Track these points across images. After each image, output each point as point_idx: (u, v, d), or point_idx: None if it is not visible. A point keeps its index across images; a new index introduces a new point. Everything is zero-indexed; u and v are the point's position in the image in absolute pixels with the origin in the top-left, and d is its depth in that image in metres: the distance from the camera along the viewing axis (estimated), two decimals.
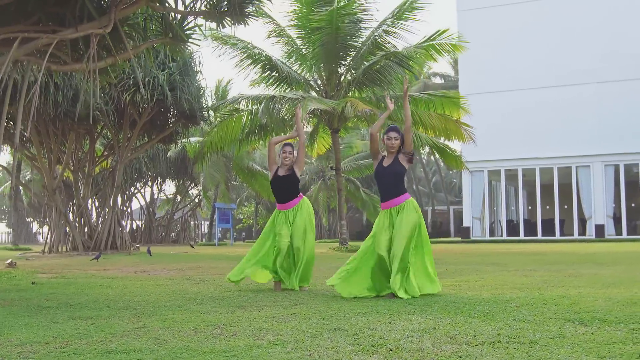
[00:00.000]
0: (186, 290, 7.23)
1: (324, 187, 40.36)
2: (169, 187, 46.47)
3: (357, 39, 18.98)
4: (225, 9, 10.90)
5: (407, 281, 6.19)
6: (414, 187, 63.34)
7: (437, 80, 53.22)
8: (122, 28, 11.32)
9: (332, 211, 45.15)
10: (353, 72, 19.27)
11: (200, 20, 12.54)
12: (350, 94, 19.57)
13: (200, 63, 20.90)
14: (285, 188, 7.37)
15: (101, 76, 11.56)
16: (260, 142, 20.65)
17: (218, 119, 20.29)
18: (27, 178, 34.91)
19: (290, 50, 19.70)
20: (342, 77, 19.61)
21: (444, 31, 18.84)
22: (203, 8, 11.37)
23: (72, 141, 19.90)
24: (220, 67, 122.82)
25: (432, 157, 68.74)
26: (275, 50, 58.29)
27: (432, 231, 48.33)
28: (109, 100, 18.35)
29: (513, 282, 7.63)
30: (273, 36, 19.56)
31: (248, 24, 11.48)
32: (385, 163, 6.51)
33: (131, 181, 34.95)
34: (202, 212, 46.75)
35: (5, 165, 32.24)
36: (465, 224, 31.98)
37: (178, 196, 43.61)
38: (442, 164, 67.29)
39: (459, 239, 32.82)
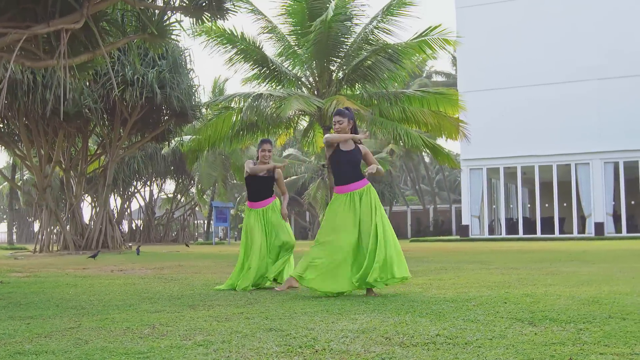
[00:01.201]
0: (149, 289, 7.08)
1: (323, 185, 40.12)
2: (170, 186, 46.33)
3: (348, 36, 18.76)
4: (204, 4, 10.75)
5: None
6: (417, 186, 63.15)
7: (439, 78, 52.99)
8: (101, 24, 11.20)
9: None
10: (345, 69, 19.07)
11: (181, 16, 12.39)
12: (342, 91, 19.37)
13: (191, 61, 20.68)
14: (262, 187, 7.37)
15: (80, 73, 11.43)
16: (252, 140, 20.47)
17: (209, 117, 20.11)
18: (25, 177, 34.91)
19: (282, 46, 19.48)
20: (334, 75, 19.41)
21: (436, 27, 18.59)
22: (181, 3, 11.24)
23: (62, 139, 19.80)
24: (217, 65, 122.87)
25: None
26: (267, 47, 58.32)
27: (433, 230, 48.17)
28: (98, 98, 18.23)
29: (486, 281, 7.45)
30: (264, 33, 19.35)
31: (227, 19, 11.33)
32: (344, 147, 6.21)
33: (129, 180, 34.85)
34: (204, 211, 46.66)
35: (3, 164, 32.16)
36: (464, 222, 31.72)
37: (179, 195, 43.52)
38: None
39: (458, 237, 32.55)
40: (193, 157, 20.18)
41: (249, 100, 16.99)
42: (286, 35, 19.35)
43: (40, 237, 20.64)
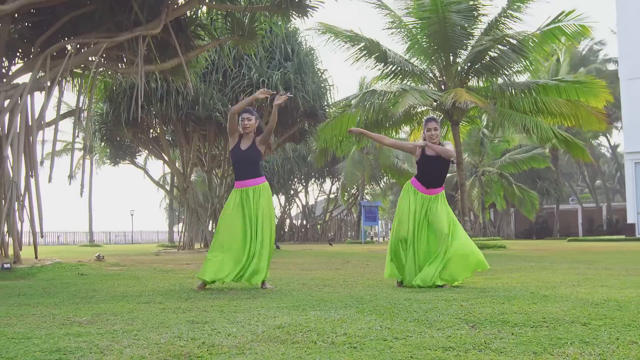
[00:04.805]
0: (190, 285, 7.22)
1: (478, 183, 38.86)
2: (328, 185, 47.29)
3: (473, 27, 18.08)
4: (283, 4, 10.87)
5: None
6: (592, 183, 59.28)
7: (611, 66, 49.18)
8: (190, 28, 11.70)
9: (491, 207, 43.40)
10: (469, 61, 18.39)
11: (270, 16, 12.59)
12: (468, 83, 18.71)
13: (320, 61, 20.90)
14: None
15: (174, 77, 12.02)
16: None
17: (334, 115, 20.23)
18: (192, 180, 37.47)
19: (410, 41, 19.19)
20: (459, 67, 18.78)
21: (570, 12, 17.41)
22: (266, 3, 11.44)
23: (197, 142, 20.87)
24: (360, 65, 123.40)
25: (617, 151, 63.85)
26: (392, 44, 57.37)
27: (607, 229, 44.95)
28: (227, 102, 19.01)
29: (540, 281, 6.85)
30: (390, 28, 19.19)
31: (312, 15, 11.38)
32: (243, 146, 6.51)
33: (283, 182, 35.96)
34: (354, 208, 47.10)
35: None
36: (629, 221, 29.23)
37: (338, 195, 44.29)
38: (621, 159, 62.30)
39: (623, 237, 30.02)
40: (321, 156, 20.42)
41: (360, 96, 16.91)
42: (412, 29, 19.07)
43: (183, 235, 21.91)
